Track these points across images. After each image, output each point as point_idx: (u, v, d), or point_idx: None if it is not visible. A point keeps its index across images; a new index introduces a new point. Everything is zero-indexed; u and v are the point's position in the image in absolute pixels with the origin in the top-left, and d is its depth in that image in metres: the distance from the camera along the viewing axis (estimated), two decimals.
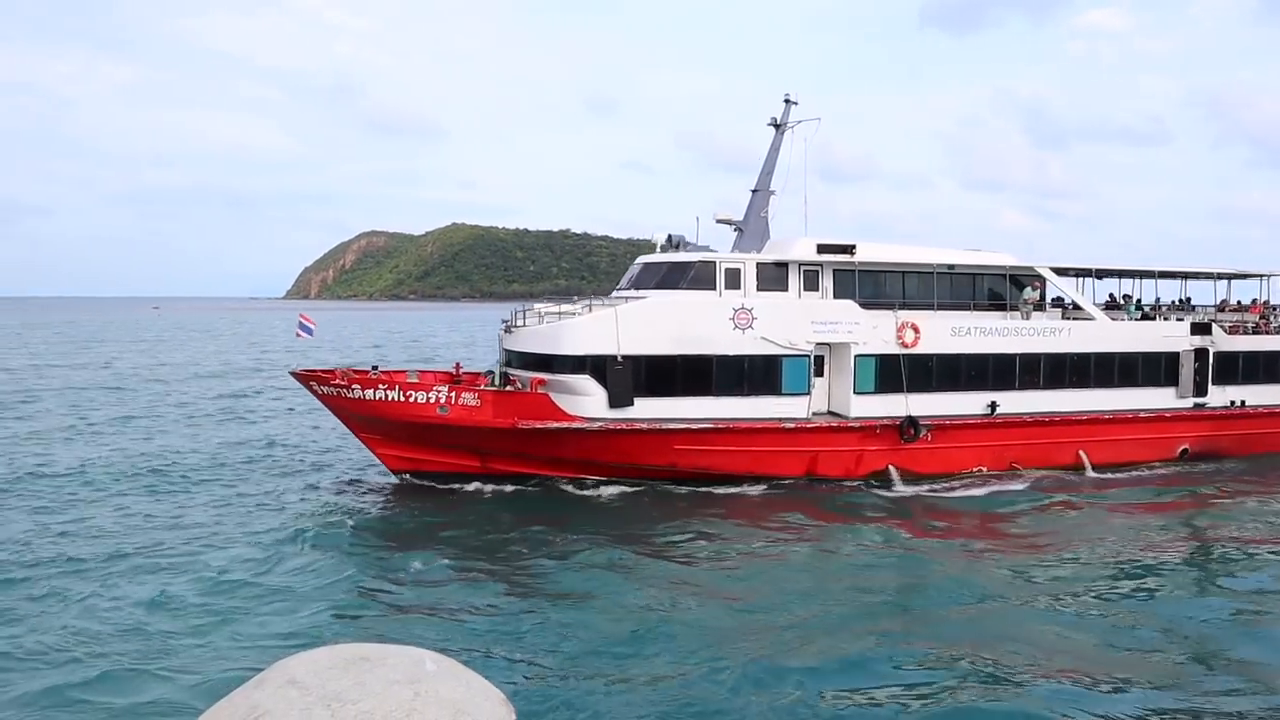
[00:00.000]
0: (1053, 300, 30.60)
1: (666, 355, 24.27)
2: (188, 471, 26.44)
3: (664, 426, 23.98)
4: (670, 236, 27.19)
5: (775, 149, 28.27)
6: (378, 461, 25.61)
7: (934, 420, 25.98)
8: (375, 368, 25.78)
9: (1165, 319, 30.65)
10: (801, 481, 25.09)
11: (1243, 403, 29.66)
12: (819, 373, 26.00)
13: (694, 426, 24.13)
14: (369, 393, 23.82)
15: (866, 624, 14.86)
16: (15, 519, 20.85)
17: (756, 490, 24.38)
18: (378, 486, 24.95)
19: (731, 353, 24.67)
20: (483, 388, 24.22)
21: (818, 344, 25.51)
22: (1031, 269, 28.54)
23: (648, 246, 28.29)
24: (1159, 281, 32.98)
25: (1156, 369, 28.74)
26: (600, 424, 23.73)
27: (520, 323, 25.92)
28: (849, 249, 26.43)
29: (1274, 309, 33.31)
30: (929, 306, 27.06)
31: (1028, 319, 28.06)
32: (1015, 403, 27.01)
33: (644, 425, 23.88)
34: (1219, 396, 29.47)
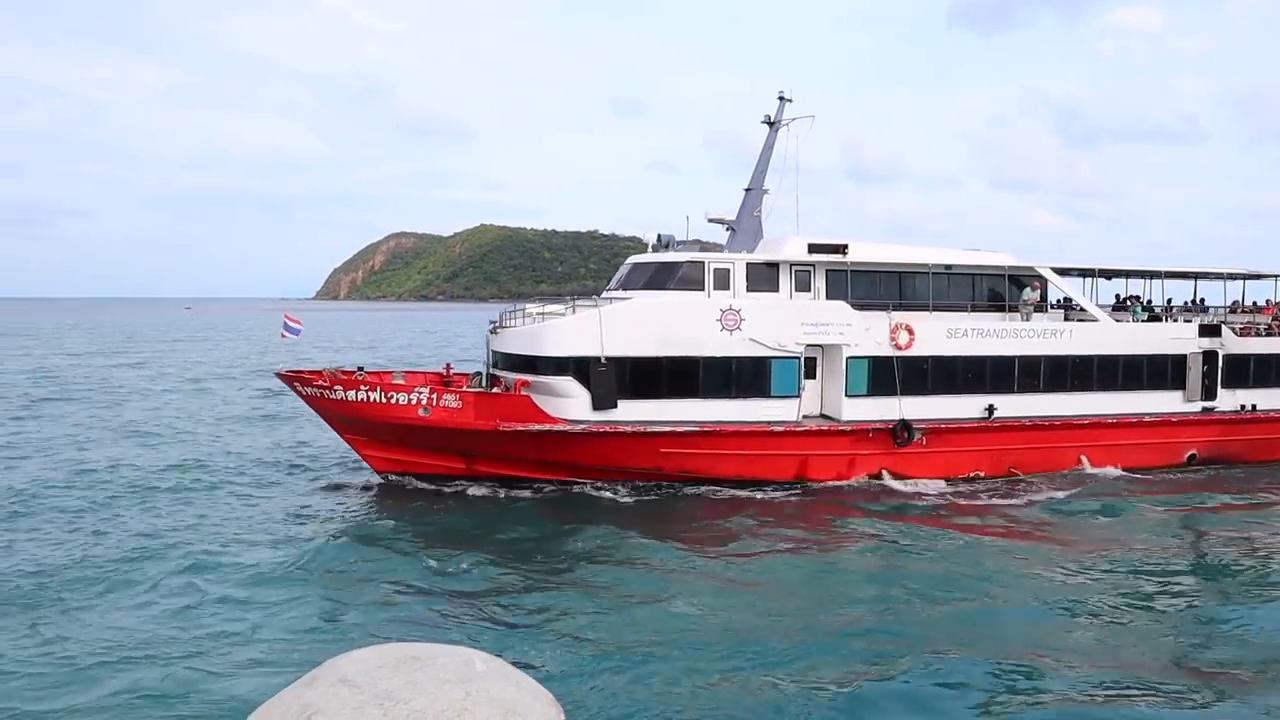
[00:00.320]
0: (1058, 301, 29.89)
1: (652, 357, 23.87)
2: (217, 472, 26.26)
3: (649, 429, 23.59)
4: (660, 236, 26.78)
5: (769, 147, 27.79)
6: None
7: (929, 424, 25.39)
8: (361, 369, 25.58)
9: (1174, 320, 29.79)
10: (793, 486, 24.60)
11: (1254, 407, 28.77)
12: (810, 375, 25.49)
13: (679, 429, 23.72)
14: (351, 394, 23.63)
15: (894, 627, 14.86)
16: (50, 518, 20.81)
17: (780, 492, 24.12)
18: (405, 489, 24.47)
19: (719, 354, 24.22)
20: (465, 389, 23.97)
21: (808, 346, 25.01)
22: (1031, 269, 27.84)
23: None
24: (1170, 282, 32.11)
25: (1162, 372, 27.93)
26: (583, 426, 23.38)
27: (507, 323, 25.65)
28: (841, 249, 25.89)
29: None
30: (924, 307, 26.47)
31: (1028, 320, 27.36)
32: (1014, 406, 26.35)
33: (628, 428, 23.50)
34: (1229, 400, 28.60)
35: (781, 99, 27.86)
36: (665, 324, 23.99)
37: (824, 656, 13.38)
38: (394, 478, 24.79)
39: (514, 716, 2.25)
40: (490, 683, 2.34)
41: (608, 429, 23.44)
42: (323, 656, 2.61)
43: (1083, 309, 28.83)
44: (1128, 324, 28.91)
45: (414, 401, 23.35)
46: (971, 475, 25.92)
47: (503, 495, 23.60)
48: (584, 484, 24.25)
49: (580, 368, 23.52)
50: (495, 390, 24.25)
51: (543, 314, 25.15)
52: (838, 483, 24.95)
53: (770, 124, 27.87)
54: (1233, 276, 31.21)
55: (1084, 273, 29.78)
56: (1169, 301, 32.43)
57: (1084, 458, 26.91)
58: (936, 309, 26.63)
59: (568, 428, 23.30)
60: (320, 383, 24.03)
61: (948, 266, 27.22)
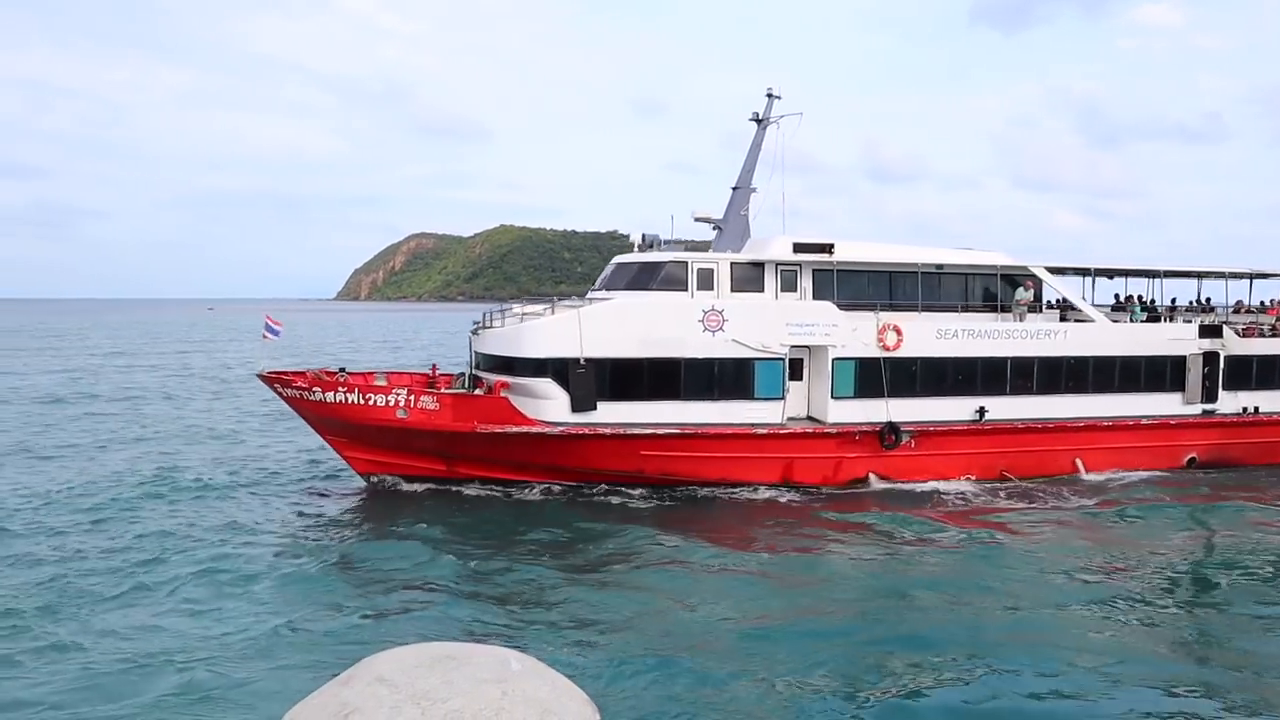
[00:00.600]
0: (1054, 301, 29.29)
1: (632, 358, 23.54)
2: (240, 473, 26.27)
3: (629, 432, 23.26)
4: (644, 235, 26.44)
5: (757, 145, 27.36)
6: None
7: (917, 426, 24.91)
8: (343, 370, 25.41)
9: (1173, 320, 29.11)
10: (778, 489, 24.21)
11: (1256, 409, 28.06)
12: (796, 377, 25.07)
13: (660, 432, 23.37)
14: (329, 395, 23.45)
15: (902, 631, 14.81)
16: (73, 519, 20.79)
17: (798, 495, 24.00)
18: (421, 491, 24.24)
19: (701, 355, 23.85)
20: (443, 390, 23.75)
21: (793, 347, 24.58)
22: (1025, 268, 27.27)
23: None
24: (1177, 282, 31.40)
25: (1161, 373, 27.29)
26: (561, 428, 23.08)
27: (489, 324, 25.39)
28: (827, 248, 25.45)
29: None
30: (914, 308, 25.98)
31: (1021, 321, 26.80)
32: (1006, 408, 25.82)
33: (607, 430, 23.18)
34: (1230, 403, 27.91)
35: (770, 96, 27.44)
36: (646, 325, 23.66)
37: (857, 659, 13.39)
38: (374, 479, 24.63)
39: (550, 716, 2.25)
40: (526, 682, 2.34)
41: (587, 431, 23.14)
42: (352, 657, 2.57)
43: (1077, 309, 28.20)
44: (1125, 324, 28.27)
45: (391, 403, 23.14)
46: (962, 478, 25.42)
47: (515, 495, 23.53)
48: (582, 485, 24.03)
49: (559, 369, 23.23)
50: (478, 392, 24.02)
51: (523, 315, 24.87)
52: (824, 486, 24.54)
53: (758, 121, 27.44)
54: (1235, 275, 30.45)
55: (1080, 272, 29.17)
56: (1173, 301, 31.71)
57: (1079, 461, 26.34)
58: (927, 309, 26.15)
59: (545, 430, 23.01)
60: (299, 384, 23.87)
61: (939, 266, 26.72)
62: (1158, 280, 30.73)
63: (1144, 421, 26.78)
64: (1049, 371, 26.23)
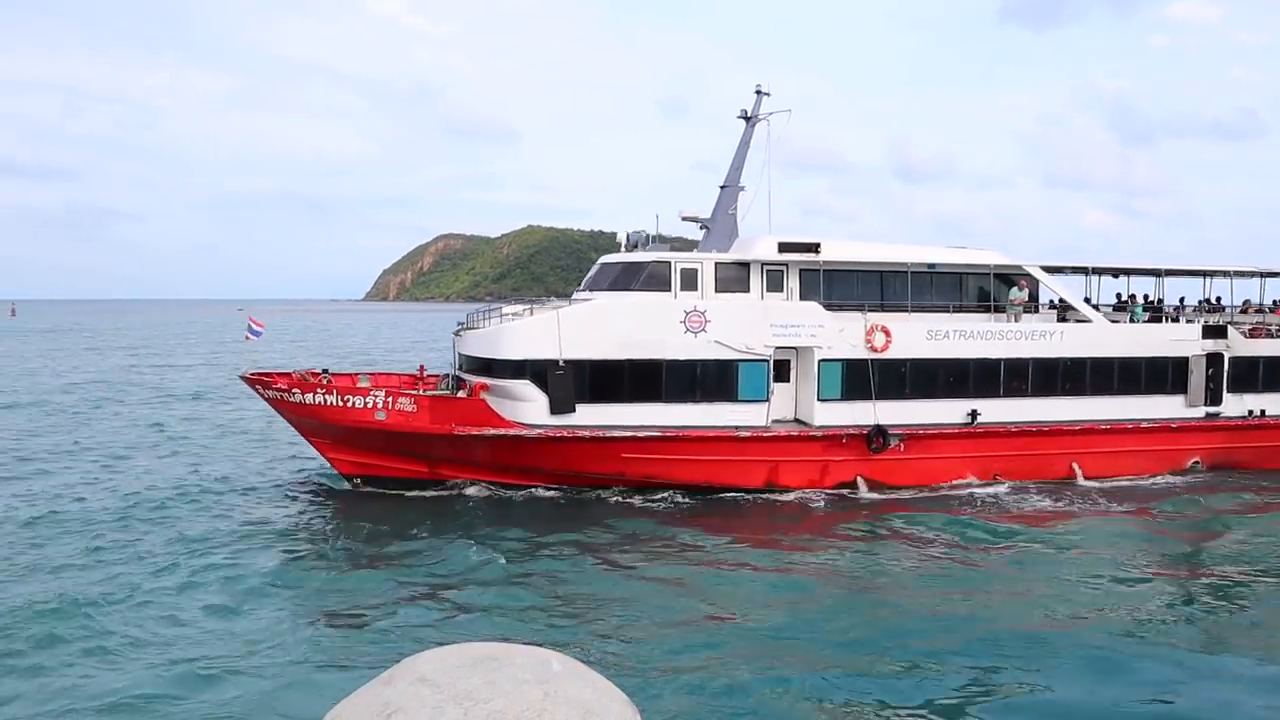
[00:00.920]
0: (1053, 301, 28.61)
1: (612, 360, 23.23)
2: (266, 476, 26.27)
3: (608, 434, 22.94)
4: (629, 235, 26.12)
5: (745, 143, 26.97)
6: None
7: (906, 429, 24.39)
8: (326, 371, 25.33)
9: (1177, 321, 28.32)
10: (763, 492, 23.80)
11: (1263, 412, 27.22)
12: (783, 379, 24.63)
13: (640, 434, 23.04)
14: (308, 397, 23.36)
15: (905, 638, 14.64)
16: (88, 526, 20.61)
17: (820, 497, 23.82)
18: (438, 492, 23.98)
19: (683, 357, 23.49)
20: (421, 392, 23.56)
21: (778, 348, 24.15)
22: (1019, 267, 26.63)
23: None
24: (1184, 281, 30.58)
25: (1162, 375, 26.54)
26: (540, 431, 22.82)
27: (473, 325, 25.20)
28: (813, 248, 24.98)
29: None
30: (904, 308, 25.45)
31: (1016, 321, 26.17)
32: (1000, 411, 25.21)
33: (586, 433, 22.89)
34: (1235, 405, 27.09)
35: (759, 93, 27.04)
36: (627, 326, 23.34)
37: (901, 664, 13.27)
38: (358, 481, 24.44)
39: (592, 717, 2.25)
40: (568, 683, 2.34)
41: (566, 434, 22.86)
42: (388, 657, 2.48)
43: (1075, 309, 27.50)
44: (1124, 325, 27.55)
45: (370, 405, 22.99)
46: (953, 482, 24.85)
47: (522, 498, 23.31)
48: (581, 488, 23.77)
49: (538, 371, 22.97)
50: (460, 394, 23.82)
51: (504, 316, 24.64)
52: (810, 490, 24.09)
53: (747, 119, 27.04)
54: (1241, 274, 29.55)
55: (1078, 271, 28.46)
56: (1181, 301, 30.88)
57: (1076, 465, 25.67)
58: (918, 310, 25.60)
59: (523, 432, 22.76)
60: (279, 385, 23.80)
61: (930, 266, 26.15)
62: (1166, 279, 29.93)
63: (1144, 425, 26.06)
64: (1044, 373, 25.59)
